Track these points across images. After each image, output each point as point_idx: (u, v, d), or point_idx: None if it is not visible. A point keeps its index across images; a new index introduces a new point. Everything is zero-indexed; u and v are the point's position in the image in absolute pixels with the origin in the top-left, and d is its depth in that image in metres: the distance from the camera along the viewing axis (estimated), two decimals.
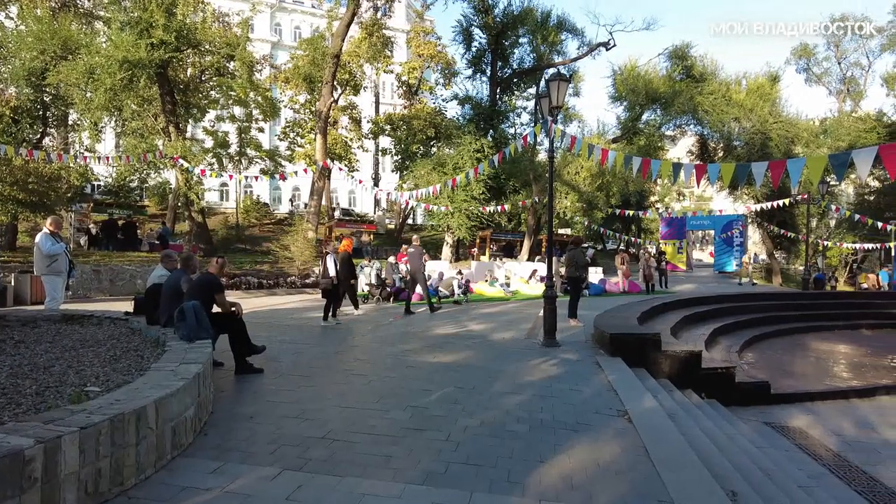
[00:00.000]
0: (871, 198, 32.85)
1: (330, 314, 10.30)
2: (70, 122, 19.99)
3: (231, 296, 16.12)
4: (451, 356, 7.40)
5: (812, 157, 5.89)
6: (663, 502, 3.26)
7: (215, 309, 6.30)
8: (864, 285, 26.94)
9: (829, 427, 7.17)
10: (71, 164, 16.15)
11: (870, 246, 27.71)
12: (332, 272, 10.33)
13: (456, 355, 7.48)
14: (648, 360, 7.71)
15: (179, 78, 23.04)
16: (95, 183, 26.96)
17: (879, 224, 21.93)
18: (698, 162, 31.26)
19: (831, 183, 24.71)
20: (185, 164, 17.62)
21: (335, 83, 30.15)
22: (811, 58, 37.02)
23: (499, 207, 24.67)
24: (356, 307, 12.13)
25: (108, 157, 16.93)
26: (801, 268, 24.27)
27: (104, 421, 2.90)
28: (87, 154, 18.06)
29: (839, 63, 36.91)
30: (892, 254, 26.45)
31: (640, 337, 7.89)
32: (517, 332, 9.88)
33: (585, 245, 23.18)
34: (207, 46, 18.17)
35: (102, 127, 18.35)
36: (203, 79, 25.60)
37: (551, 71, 18.06)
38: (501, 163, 13.82)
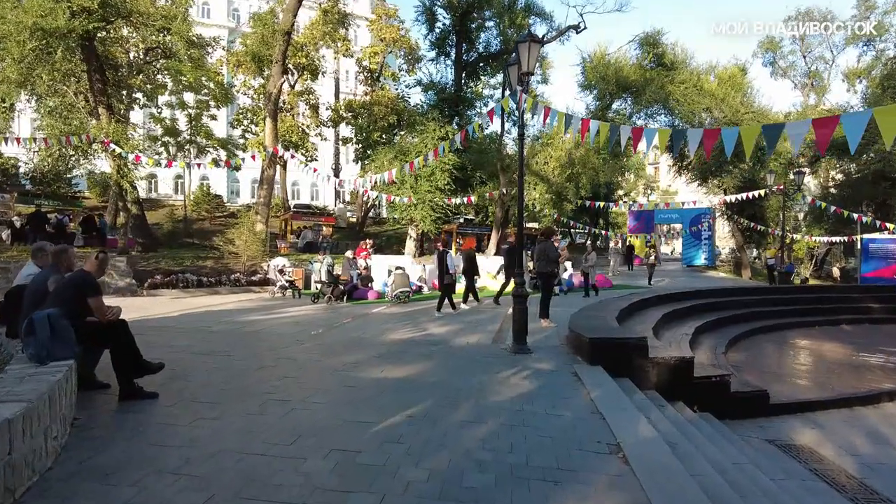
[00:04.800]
0: (835, 191, 32.97)
1: (449, 304, 11.04)
2: None
3: (167, 296, 14.57)
4: (403, 369, 6.15)
5: (745, 127, 5.46)
6: None
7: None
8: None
9: (841, 444, 6.22)
10: None
11: (837, 239, 27.62)
12: (451, 268, 10.98)
13: (409, 368, 6.23)
14: (633, 368, 6.64)
15: (117, 56, 21.03)
16: (22, 171, 24.49)
17: (855, 215, 21.60)
18: (667, 155, 30.79)
19: (805, 172, 24.32)
20: (118, 150, 15.80)
21: (290, 65, 28.42)
22: (777, 51, 36.96)
23: (465, 199, 23.52)
24: (474, 300, 12.56)
25: (18, 139, 14.91)
26: (770, 260, 23.75)
27: None
28: None
29: (804, 57, 36.97)
30: (858, 246, 26.29)
31: (624, 343, 6.81)
32: (483, 336, 8.70)
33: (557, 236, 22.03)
34: (141, 18, 16.23)
35: (11, 104, 16.21)
36: (148, 59, 23.62)
37: None
38: (465, 142, 12.70)
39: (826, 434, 6.54)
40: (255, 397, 4.97)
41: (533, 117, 7.60)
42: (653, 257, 20.11)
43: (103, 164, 22.06)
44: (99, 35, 18.02)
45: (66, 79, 16.14)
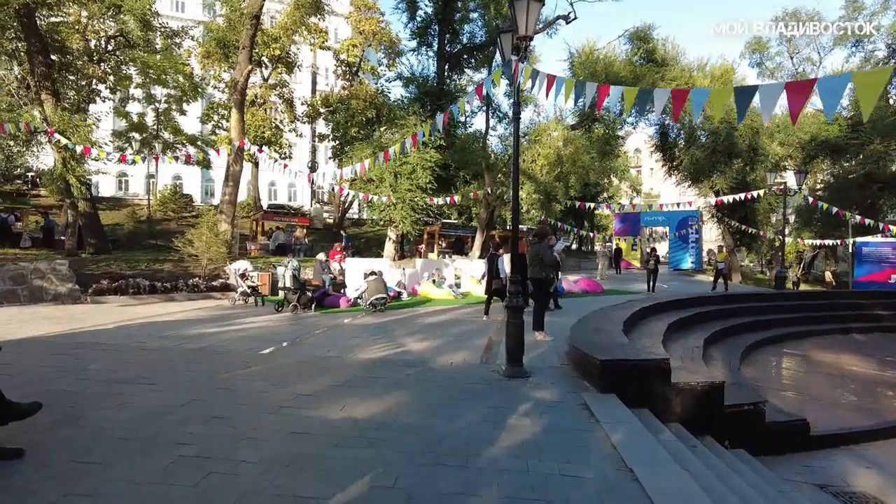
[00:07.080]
0: (822, 193, 32.46)
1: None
2: None
3: (114, 303, 12.95)
4: (369, 404, 4.83)
5: (716, 90, 5.34)
6: None
7: None
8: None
9: None
10: None
11: (829, 242, 26.99)
12: (501, 274, 10.57)
13: (378, 402, 4.91)
14: (654, 396, 5.50)
15: (72, 42, 19.40)
16: None
17: (858, 217, 20.85)
18: (658, 154, 29.90)
19: (805, 172, 23.51)
20: (63, 140, 14.23)
21: (264, 58, 26.94)
22: (764, 52, 36.42)
23: (448, 199, 22.30)
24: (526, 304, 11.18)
25: None
26: (720, 264, 22.66)
27: None
28: None
29: (791, 58, 36.49)
30: (850, 250, 25.65)
31: (642, 365, 5.62)
32: (469, 353, 7.42)
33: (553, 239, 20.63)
34: None
35: None
36: (110, 49, 22.00)
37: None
38: (447, 124, 11.49)
39: (886, 475, 5.42)
40: (163, 452, 3.62)
41: (532, 87, 6.37)
42: (652, 261, 18.52)
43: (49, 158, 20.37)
44: (48, 16, 16.45)
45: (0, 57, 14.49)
